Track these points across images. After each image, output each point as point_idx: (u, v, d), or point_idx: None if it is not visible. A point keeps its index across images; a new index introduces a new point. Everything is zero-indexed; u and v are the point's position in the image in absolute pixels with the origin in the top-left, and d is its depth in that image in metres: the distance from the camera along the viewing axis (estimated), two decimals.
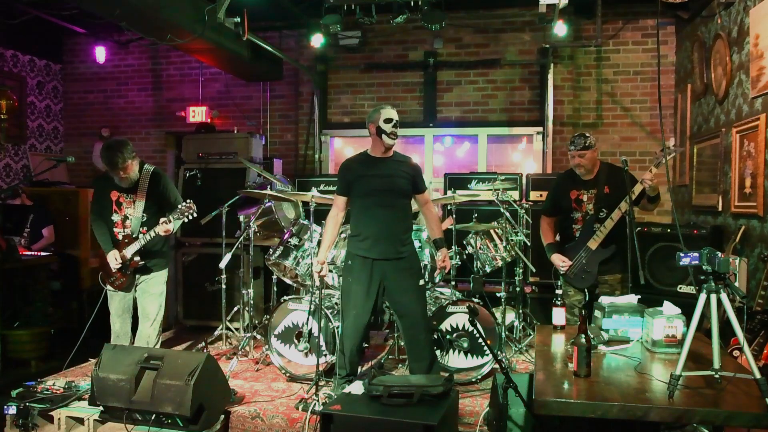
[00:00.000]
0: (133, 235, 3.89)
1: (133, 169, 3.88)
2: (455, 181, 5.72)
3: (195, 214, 3.85)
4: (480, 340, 3.98)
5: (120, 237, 3.93)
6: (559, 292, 3.35)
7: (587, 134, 3.83)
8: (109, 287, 3.97)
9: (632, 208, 3.50)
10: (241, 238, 4.85)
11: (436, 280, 4.27)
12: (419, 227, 4.25)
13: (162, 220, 3.80)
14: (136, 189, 3.93)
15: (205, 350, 4.60)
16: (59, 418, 3.41)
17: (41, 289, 5.53)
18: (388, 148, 3.56)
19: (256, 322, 5.17)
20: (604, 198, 3.78)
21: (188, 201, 3.86)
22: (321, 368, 3.66)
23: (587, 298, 3.85)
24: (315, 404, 3.42)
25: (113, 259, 3.86)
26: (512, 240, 4.63)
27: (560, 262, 3.89)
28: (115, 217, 3.94)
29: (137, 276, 4.00)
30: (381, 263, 3.50)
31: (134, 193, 3.93)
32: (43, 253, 5.60)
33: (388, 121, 3.47)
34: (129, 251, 3.86)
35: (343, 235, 4.31)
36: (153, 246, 3.96)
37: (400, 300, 3.54)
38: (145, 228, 3.89)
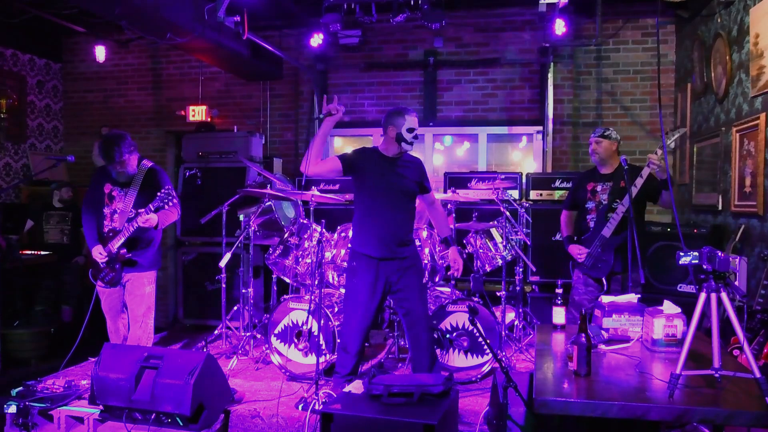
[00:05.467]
0: (118, 229, 3.86)
1: (130, 163, 3.86)
2: (455, 181, 5.72)
3: (174, 200, 3.78)
4: (480, 339, 3.98)
5: (106, 230, 3.89)
6: (559, 291, 3.36)
7: (611, 129, 4.03)
8: (99, 283, 3.96)
9: (632, 207, 3.52)
10: (241, 237, 4.85)
11: (436, 279, 4.29)
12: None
13: (141, 211, 3.73)
14: (130, 184, 3.92)
15: (205, 349, 4.60)
16: (59, 417, 3.41)
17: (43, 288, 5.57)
18: (402, 152, 3.58)
19: (256, 321, 5.17)
20: (619, 191, 3.88)
21: (166, 187, 3.82)
22: (321, 367, 3.66)
23: (605, 289, 3.90)
24: (315, 403, 3.42)
25: (98, 253, 3.85)
26: (512, 239, 4.63)
27: (577, 251, 4.01)
28: (106, 210, 3.92)
29: (124, 274, 3.96)
30: (386, 263, 3.50)
31: (128, 187, 3.91)
32: (42, 253, 5.61)
33: (410, 130, 3.49)
34: (114, 244, 3.83)
35: (342, 234, 4.32)
36: (140, 240, 3.92)
37: (404, 298, 3.55)
38: (128, 223, 3.85)
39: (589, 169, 4.26)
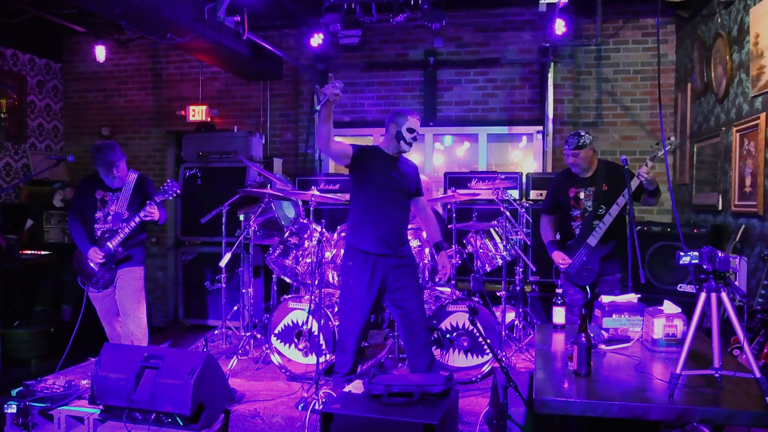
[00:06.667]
0: (114, 229, 3.94)
1: (123, 168, 4.03)
2: (455, 180, 5.72)
3: (178, 191, 3.97)
4: (480, 339, 3.98)
5: (100, 233, 3.99)
6: (559, 291, 3.36)
7: (582, 133, 3.86)
8: (91, 288, 3.99)
9: (632, 206, 3.51)
10: (241, 237, 4.85)
11: (436, 280, 4.28)
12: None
13: (148, 203, 3.90)
14: (122, 188, 4.05)
15: (205, 349, 4.60)
16: (59, 417, 3.41)
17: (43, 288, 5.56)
18: (401, 152, 3.63)
19: (256, 321, 5.17)
20: (603, 195, 3.81)
21: (169, 180, 3.99)
22: (321, 367, 3.66)
23: (588, 297, 3.86)
24: (315, 403, 3.42)
25: (95, 254, 3.90)
26: (512, 239, 4.63)
27: (561, 259, 3.93)
28: (98, 215, 4.02)
29: (117, 271, 4.03)
30: (383, 260, 3.51)
31: (119, 191, 4.04)
32: (42, 253, 5.60)
33: (410, 131, 3.53)
34: (113, 243, 3.91)
35: (342, 234, 4.31)
36: (132, 239, 4.02)
37: (400, 298, 3.55)
38: (125, 223, 3.95)
39: (565, 169, 4.07)
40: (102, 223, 4.01)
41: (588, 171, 3.90)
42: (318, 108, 3.29)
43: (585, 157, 3.83)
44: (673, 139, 3.72)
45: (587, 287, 3.89)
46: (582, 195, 3.91)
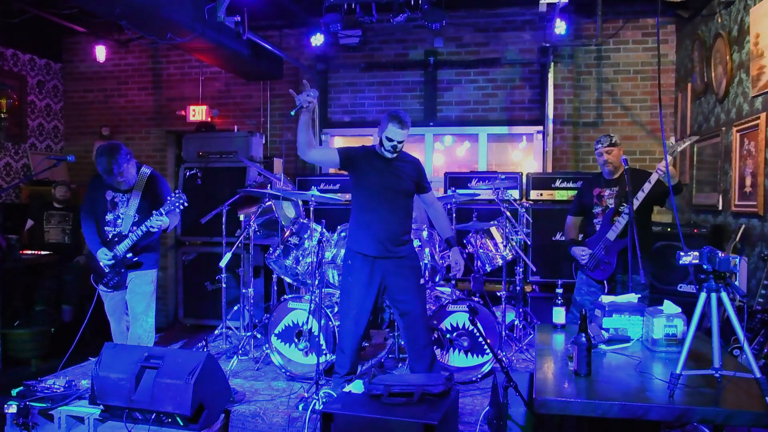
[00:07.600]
0: (124, 233, 3.88)
1: (130, 171, 3.89)
2: (455, 181, 5.72)
3: (185, 204, 3.85)
4: (480, 339, 3.98)
5: (110, 236, 3.92)
6: (559, 291, 3.36)
7: (611, 134, 4.02)
8: (102, 288, 3.96)
9: (632, 207, 3.53)
10: (242, 237, 4.85)
11: (437, 279, 4.29)
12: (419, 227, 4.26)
13: (154, 213, 3.80)
14: (132, 189, 3.95)
15: (205, 349, 4.60)
16: (59, 417, 3.41)
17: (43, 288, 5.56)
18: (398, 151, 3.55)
19: (256, 321, 5.17)
20: (625, 194, 3.86)
21: (177, 191, 3.88)
22: (321, 367, 3.66)
23: (606, 291, 3.89)
24: (315, 403, 3.41)
25: (104, 255, 3.85)
26: (512, 239, 4.63)
27: (580, 252, 3.99)
28: (109, 216, 3.94)
29: (128, 274, 3.97)
30: (382, 262, 3.49)
31: (129, 193, 3.95)
32: (43, 253, 5.60)
33: (389, 140, 3.44)
34: (121, 249, 3.85)
35: (342, 234, 4.32)
36: (143, 241, 3.94)
37: (401, 299, 3.54)
38: (136, 227, 3.87)
39: (595, 174, 4.24)
40: (112, 226, 3.93)
41: (615, 173, 4.00)
42: (292, 113, 3.30)
43: (616, 155, 3.94)
44: (679, 139, 3.80)
45: (605, 282, 3.92)
46: (606, 194, 4.00)
